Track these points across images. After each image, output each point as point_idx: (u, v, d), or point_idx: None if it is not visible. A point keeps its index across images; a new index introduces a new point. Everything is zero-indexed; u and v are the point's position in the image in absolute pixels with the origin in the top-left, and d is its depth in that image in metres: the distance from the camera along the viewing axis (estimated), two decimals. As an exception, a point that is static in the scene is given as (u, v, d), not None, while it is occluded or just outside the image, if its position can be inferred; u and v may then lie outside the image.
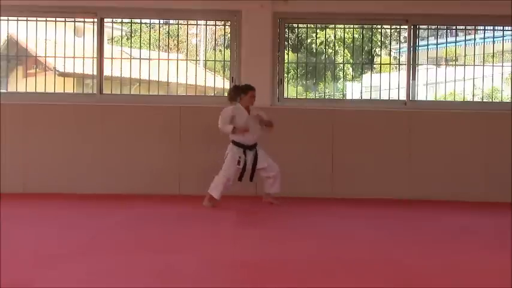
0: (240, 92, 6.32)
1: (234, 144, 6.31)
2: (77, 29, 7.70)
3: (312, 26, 7.72)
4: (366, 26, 7.64)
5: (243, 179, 6.32)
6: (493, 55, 7.64)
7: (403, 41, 8.16)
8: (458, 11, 7.21)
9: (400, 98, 7.50)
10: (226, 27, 7.63)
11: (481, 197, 7.04)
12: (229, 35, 7.53)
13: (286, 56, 7.64)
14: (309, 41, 8.25)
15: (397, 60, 8.47)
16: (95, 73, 7.39)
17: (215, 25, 8.68)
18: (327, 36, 8.12)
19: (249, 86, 6.38)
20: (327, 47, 8.09)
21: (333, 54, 8.58)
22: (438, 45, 7.89)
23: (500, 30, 7.59)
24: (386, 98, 7.90)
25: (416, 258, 4.11)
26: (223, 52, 8.93)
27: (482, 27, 7.71)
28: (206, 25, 7.94)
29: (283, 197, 6.50)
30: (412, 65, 7.39)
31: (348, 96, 8.33)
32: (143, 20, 7.97)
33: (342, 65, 8.60)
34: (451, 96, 7.88)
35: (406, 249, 4.44)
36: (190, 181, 7.14)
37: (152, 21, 8.33)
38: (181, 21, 7.85)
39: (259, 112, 6.33)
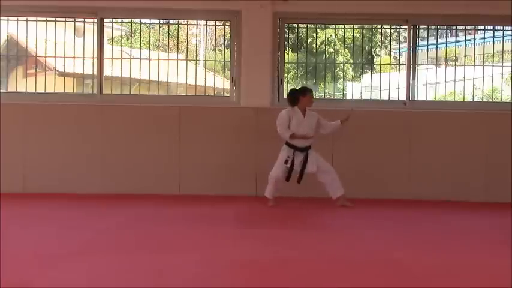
0: (298, 94, 6.37)
1: (286, 144, 6.36)
2: (77, 29, 7.70)
3: (312, 26, 7.72)
4: (366, 26, 7.64)
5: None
6: (493, 55, 7.64)
7: (403, 41, 8.16)
8: (458, 11, 7.21)
9: (400, 98, 7.50)
10: (226, 27, 7.63)
11: (481, 197, 7.04)
12: (229, 35, 7.53)
13: (286, 56, 7.64)
14: (309, 41, 8.25)
15: (397, 60, 8.47)
16: (95, 73, 7.39)
17: (215, 25, 8.69)
18: (327, 36, 8.13)
19: (307, 88, 6.52)
20: (327, 47, 8.10)
21: (333, 54, 8.59)
22: (438, 45, 7.89)
23: (500, 30, 7.59)
24: (387, 98, 7.91)
25: (416, 258, 4.11)
26: (223, 52, 8.94)
27: (482, 27, 7.71)
28: (206, 25, 7.94)
29: (284, 197, 6.49)
30: (412, 65, 7.38)
31: (348, 96, 8.33)
32: (143, 20, 7.99)
33: (342, 65, 8.60)
34: (451, 96, 7.88)
35: (406, 249, 4.44)
36: (190, 181, 7.15)
37: (152, 21, 8.33)
38: (181, 21, 7.86)
39: (319, 117, 6.42)
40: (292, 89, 6.59)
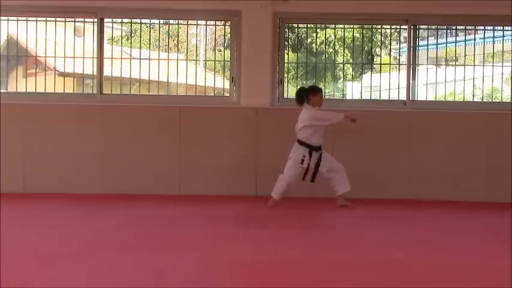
0: (308, 93, 6.36)
1: (301, 144, 6.30)
2: (77, 29, 7.70)
3: (312, 26, 7.72)
4: (366, 26, 7.64)
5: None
6: (493, 55, 7.64)
7: (403, 41, 8.16)
8: (458, 11, 7.21)
9: (400, 98, 7.50)
10: (226, 27, 7.63)
11: (481, 197, 7.04)
12: (229, 35, 7.53)
13: (286, 56, 7.64)
14: (309, 41, 8.25)
15: (397, 60, 8.47)
16: (95, 73, 7.39)
17: (215, 25, 8.69)
18: (327, 36, 8.13)
19: (318, 87, 6.55)
20: (327, 47, 8.10)
21: (333, 54, 8.59)
22: (438, 45, 7.89)
23: (500, 30, 7.59)
24: (386, 98, 7.91)
25: (416, 258, 4.11)
26: (223, 52, 8.94)
27: (482, 27, 7.71)
28: (206, 25, 7.94)
29: (284, 197, 6.49)
30: (412, 65, 7.38)
31: (348, 96, 8.33)
32: (143, 20, 7.99)
33: (342, 65, 8.60)
34: (451, 96, 7.88)
35: (406, 249, 4.44)
36: (190, 181, 7.15)
37: (152, 21, 8.33)
38: (181, 21, 7.86)
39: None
40: (301, 87, 6.59)
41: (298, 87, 6.65)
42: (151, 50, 9.00)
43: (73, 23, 7.54)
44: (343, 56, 8.49)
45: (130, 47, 9.45)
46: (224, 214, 5.89)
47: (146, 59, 7.69)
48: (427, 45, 8.10)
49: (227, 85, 7.62)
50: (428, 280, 3.54)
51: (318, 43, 7.97)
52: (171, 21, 8.35)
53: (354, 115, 6.37)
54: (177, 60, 7.89)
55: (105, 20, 7.45)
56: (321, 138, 6.35)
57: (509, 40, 8.99)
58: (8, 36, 7.73)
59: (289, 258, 3.99)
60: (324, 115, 6.31)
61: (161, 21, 8.07)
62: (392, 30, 7.74)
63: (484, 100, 8.00)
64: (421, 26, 7.55)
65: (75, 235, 4.70)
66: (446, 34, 8.55)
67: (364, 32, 7.70)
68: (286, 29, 7.68)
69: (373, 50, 8.44)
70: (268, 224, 5.48)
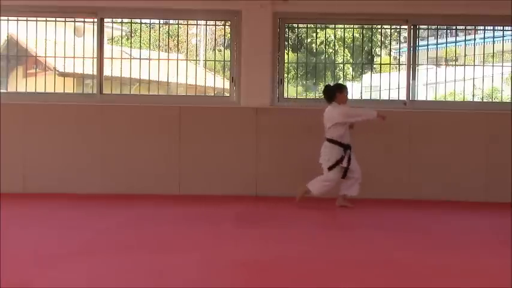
0: (335, 90, 6.38)
1: (334, 143, 6.30)
2: (77, 29, 7.70)
3: (312, 26, 7.72)
4: (366, 26, 7.64)
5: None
6: (493, 55, 7.64)
7: (403, 41, 8.16)
8: (458, 11, 7.21)
9: (400, 98, 7.50)
10: (226, 27, 7.63)
11: (481, 197, 7.04)
12: (229, 35, 7.53)
13: (286, 56, 7.64)
14: (309, 40, 8.25)
15: (397, 60, 8.47)
16: (95, 73, 7.39)
17: (215, 25, 8.69)
18: (327, 36, 8.13)
19: (343, 84, 6.60)
20: (327, 47, 8.10)
21: (333, 54, 8.59)
22: (438, 45, 7.89)
23: (500, 30, 7.59)
24: (386, 98, 7.91)
25: (417, 258, 4.11)
26: (223, 52, 8.95)
27: (482, 27, 7.71)
28: (206, 25, 7.94)
29: (284, 197, 6.49)
30: (412, 65, 7.38)
31: (348, 96, 8.31)
32: (143, 20, 7.99)
33: (342, 65, 8.61)
34: (451, 96, 7.88)
35: (406, 249, 4.44)
36: (190, 181, 7.15)
37: (152, 21, 8.33)
38: (181, 21, 7.86)
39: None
40: (328, 85, 6.60)
41: (325, 85, 6.66)
42: (151, 50, 9.00)
43: (73, 23, 7.54)
44: (343, 56, 8.49)
45: (130, 47, 9.46)
46: (224, 214, 5.89)
47: (146, 59, 7.70)
48: (427, 45, 8.10)
49: (227, 85, 7.62)
50: (428, 280, 3.54)
51: (318, 43, 7.97)
52: (171, 21, 8.35)
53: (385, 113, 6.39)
54: (177, 60, 7.89)
55: (105, 20, 7.45)
56: (349, 136, 6.37)
57: (509, 40, 8.99)
58: (8, 36, 7.73)
59: (290, 258, 3.99)
60: (356, 112, 6.36)
61: (161, 21, 8.07)
62: (392, 30, 7.74)
63: (484, 100, 8.00)
64: (421, 26, 7.55)
65: (75, 235, 4.70)
66: (446, 34, 8.55)
67: (364, 32, 7.70)
68: (286, 29, 7.67)
69: (373, 50, 8.45)
70: (268, 224, 5.48)
